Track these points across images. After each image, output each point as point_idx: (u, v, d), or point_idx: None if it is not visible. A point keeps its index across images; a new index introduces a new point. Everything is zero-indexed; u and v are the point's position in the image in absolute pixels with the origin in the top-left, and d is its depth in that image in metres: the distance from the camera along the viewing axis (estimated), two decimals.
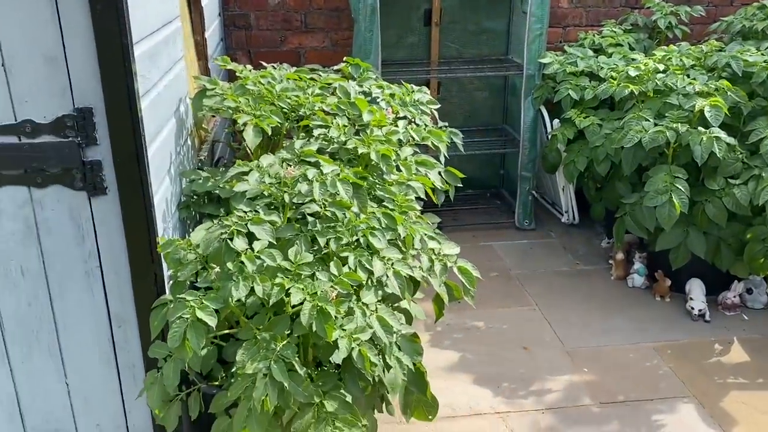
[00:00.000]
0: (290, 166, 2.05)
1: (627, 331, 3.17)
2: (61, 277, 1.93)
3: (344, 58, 3.16)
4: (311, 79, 2.75)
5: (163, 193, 2.12)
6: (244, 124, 2.20)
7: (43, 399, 2.06)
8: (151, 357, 1.85)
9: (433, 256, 2.11)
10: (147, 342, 1.93)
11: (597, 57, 3.85)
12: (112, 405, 2.10)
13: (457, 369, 2.91)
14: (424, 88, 3.06)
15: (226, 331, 1.88)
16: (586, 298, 3.45)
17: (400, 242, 2.06)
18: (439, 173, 2.54)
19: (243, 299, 1.71)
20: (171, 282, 1.86)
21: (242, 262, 1.67)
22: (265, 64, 2.91)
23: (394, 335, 1.84)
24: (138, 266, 1.92)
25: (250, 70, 2.63)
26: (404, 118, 2.86)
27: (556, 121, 3.86)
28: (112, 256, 1.92)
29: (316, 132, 2.42)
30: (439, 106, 2.97)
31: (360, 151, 2.28)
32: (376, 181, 2.30)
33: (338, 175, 1.92)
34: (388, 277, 1.86)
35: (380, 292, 1.84)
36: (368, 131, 2.43)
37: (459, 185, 2.78)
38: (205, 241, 1.75)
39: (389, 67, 4.05)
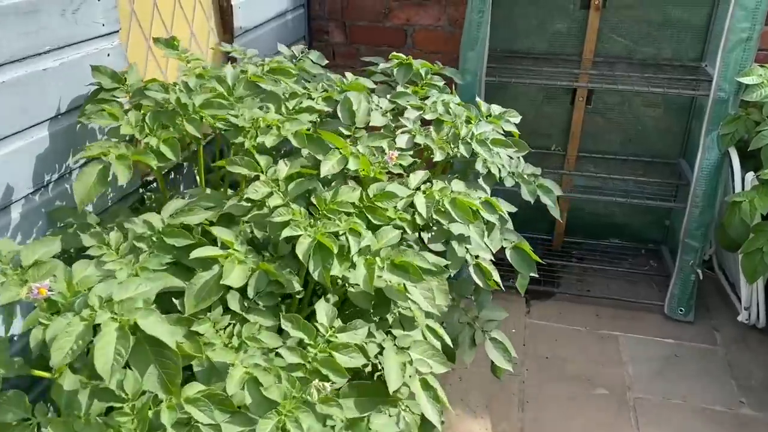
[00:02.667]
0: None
1: None
2: None
3: (390, 54, 2.13)
4: (303, 85, 1.77)
5: None
6: (87, 162, 1.30)
7: None
8: None
9: None
10: None
11: None
12: None
13: None
14: (511, 112, 1.94)
15: None
16: None
17: None
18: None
19: None
20: None
21: None
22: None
23: None
24: None
25: (189, 63, 1.71)
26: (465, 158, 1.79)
27: (750, 176, 2.48)
28: None
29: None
30: (514, 149, 1.83)
31: (285, 232, 1.29)
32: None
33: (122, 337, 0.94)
34: None
35: None
36: (326, 195, 1.40)
37: (533, 274, 1.74)
38: None
39: (519, 62, 2.90)
